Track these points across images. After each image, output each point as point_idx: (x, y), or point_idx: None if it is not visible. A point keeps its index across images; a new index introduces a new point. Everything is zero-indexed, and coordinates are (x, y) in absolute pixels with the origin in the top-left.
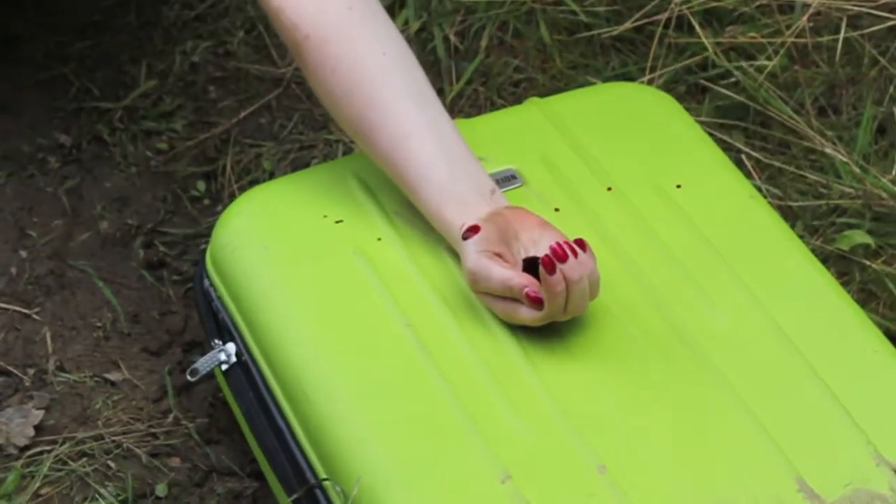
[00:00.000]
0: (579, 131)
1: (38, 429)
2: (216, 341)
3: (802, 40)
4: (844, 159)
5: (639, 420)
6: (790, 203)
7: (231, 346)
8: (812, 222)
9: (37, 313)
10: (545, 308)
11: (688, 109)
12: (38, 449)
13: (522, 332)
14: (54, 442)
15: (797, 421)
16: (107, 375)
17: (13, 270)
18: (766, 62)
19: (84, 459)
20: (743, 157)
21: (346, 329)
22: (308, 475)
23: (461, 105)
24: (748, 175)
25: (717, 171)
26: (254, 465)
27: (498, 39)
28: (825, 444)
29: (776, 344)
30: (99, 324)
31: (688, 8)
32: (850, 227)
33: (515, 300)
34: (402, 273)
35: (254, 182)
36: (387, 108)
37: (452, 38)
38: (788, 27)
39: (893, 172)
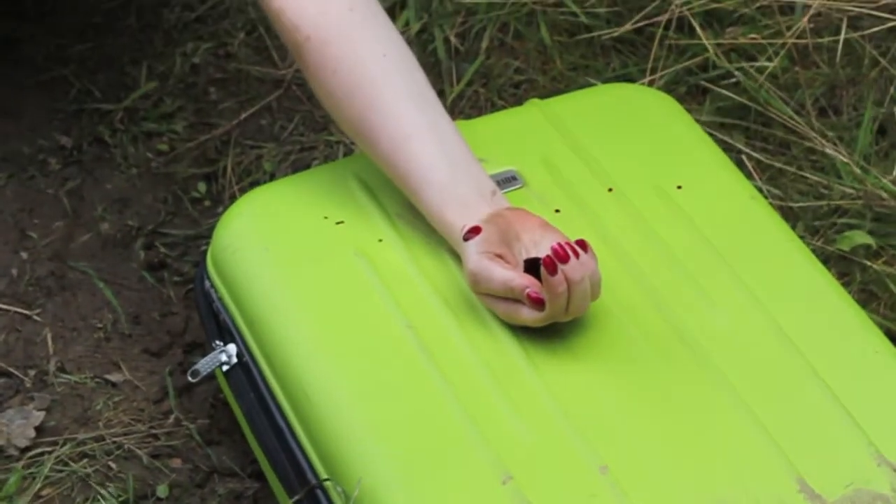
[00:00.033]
0: (580, 132)
1: (39, 430)
2: (217, 342)
3: (803, 41)
4: (845, 160)
5: (640, 421)
6: (791, 204)
7: (232, 347)
8: (813, 223)
9: (38, 314)
10: (546, 309)
11: (688, 110)
12: (38, 450)
13: (524, 332)
14: (55, 443)
15: (798, 421)
16: (108, 376)
17: (14, 272)
18: (766, 63)
19: (85, 460)
20: (743, 157)
21: (347, 330)
22: (309, 476)
23: (462, 106)
24: (749, 176)
25: (717, 172)
26: (255, 466)
27: (498, 41)
28: (826, 445)
29: (777, 344)
30: (100, 325)
31: (688, 9)
32: (851, 227)
33: (517, 301)
34: (403, 274)
35: (254, 183)
36: (387, 110)
37: (453, 39)
38: (789, 28)
39: (894, 173)
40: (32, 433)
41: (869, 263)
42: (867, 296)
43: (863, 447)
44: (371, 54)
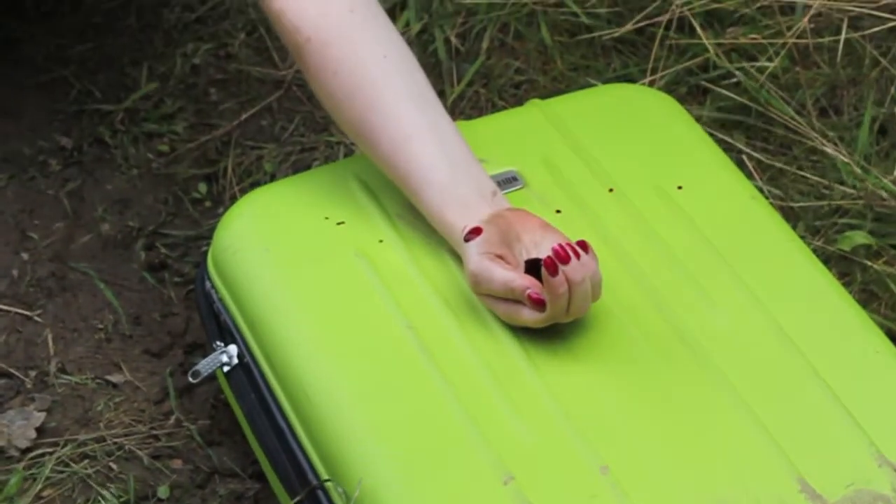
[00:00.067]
0: (580, 133)
1: (40, 431)
2: (218, 343)
3: (803, 41)
4: (846, 160)
5: (641, 421)
6: (791, 204)
7: (233, 348)
8: (813, 223)
9: (38, 315)
10: (547, 310)
11: (689, 111)
12: (39, 451)
13: (524, 333)
14: (56, 444)
15: (799, 421)
16: (108, 377)
17: (15, 272)
18: (767, 63)
19: (86, 461)
20: (744, 157)
21: (347, 331)
22: (310, 476)
23: (462, 107)
24: (749, 176)
25: (718, 172)
26: (256, 467)
27: (499, 41)
28: (827, 445)
29: (777, 345)
30: (100, 326)
31: (689, 9)
32: (852, 227)
33: (517, 302)
34: (403, 275)
35: (255, 184)
36: (388, 111)
37: (453, 39)
38: (789, 28)
39: (894, 173)
40: (33, 434)
41: (869, 263)
42: (868, 296)
43: (864, 447)
44: (371, 55)
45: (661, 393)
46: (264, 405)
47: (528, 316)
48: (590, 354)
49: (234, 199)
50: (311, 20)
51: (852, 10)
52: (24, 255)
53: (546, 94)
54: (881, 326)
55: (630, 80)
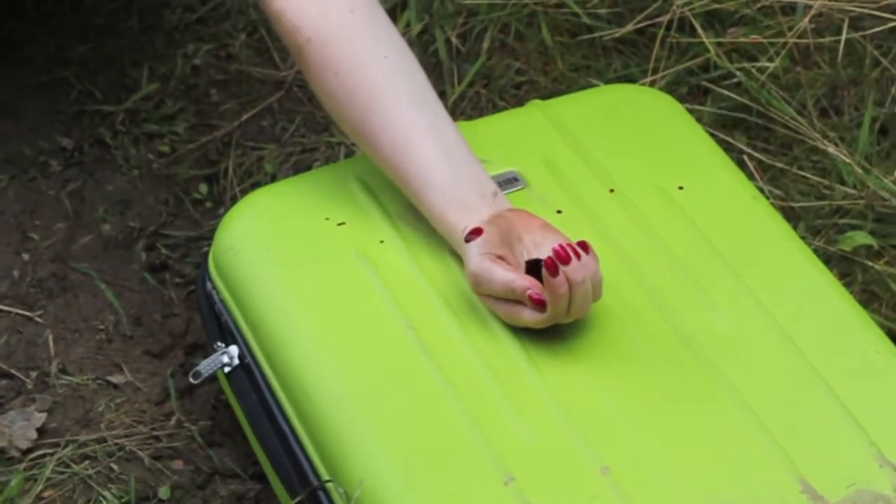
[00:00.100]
0: (581, 133)
1: (41, 432)
2: (219, 344)
3: (804, 41)
4: (847, 160)
5: (641, 421)
6: (792, 204)
7: (234, 349)
8: (814, 223)
9: (39, 316)
10: (548, 310)
11: (690, 111)
12: (40, 452)
13: (525, 334)
14: (57, 445)
15: (800, 422)
16: (109, 378)
17: (15, 273)
18: (767, 63)
19: (87, 462)
20: (745, 158)
21: (348, 331)
22: (311, 477)
23: (463, 107)
24: (750, 176)
25: (719, 173)
26: (256, 468)
27: (500, 41)
28: (828, 446)
29: (778, 345)
30: (101, 326)
31: (689, 9)
32: (853, 228)
33: (518, 302)
34: (404, 275)
35: (256, 185)
36: (388, 112)
37: (454, 40)
38: (790, 28)
39: (895, 173)
40: (34, 435)
41: (870, 264)
42: (868, 296)
43: (864, 448)
44: (372, 56)
45: (661, 393)
46: (265, 406)
47: (529, 316)
48: (590, 355)
49: (234, 200)
50: (311, 20)
51: (853, 11)
52: (25, 256)
53: (547, 95)
54: (882, 327)
55: (631, 80)
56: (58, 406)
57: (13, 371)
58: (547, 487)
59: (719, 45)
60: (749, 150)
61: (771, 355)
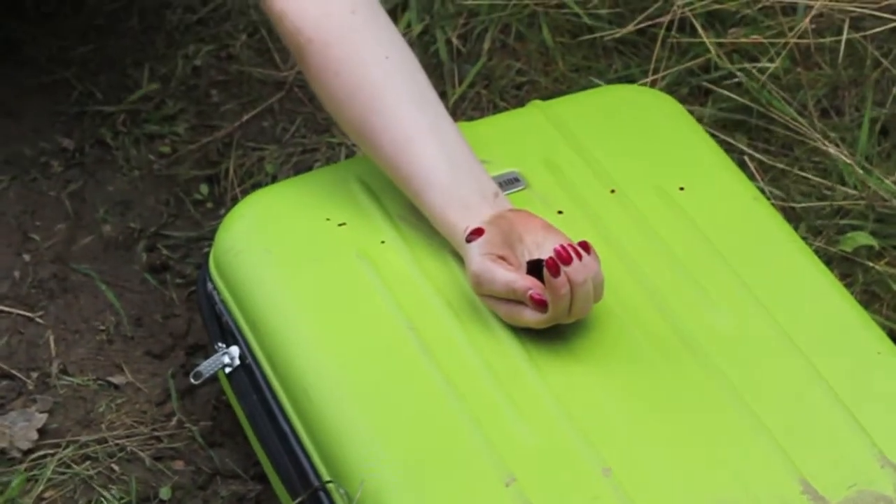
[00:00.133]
0: (582, 134)
1: (42, 432)
2: (219, 344)
3: (805, 42)
4: (847, 161)
5: (643, 422)
6: (793, 205)
7: (234, 349)
8: (815, 224)
9: (40, 317)
10: (549, 311)
11: (690, 111)
12: (41, 452)
13: (526, 334)
14: (58, 445)
15: (801, 423)
16: (110, 379)
17: (16, 274)
18: (768, 64)
19: (87, 463)
20: (746, 158)
21: (349, 332)
22: (312, 478)
23: (464, 108)
24: (751, 177)
25: (719, 173)
26: (257, 468)
27: (500, 42)
28: (829, 446)
29: (779, 346)
30: (102, 327)
31: (690, 10)
32: (854, 228)
33: (519, 303)
34: (405, 276)
35: (256, 185)
36: (389, 112)
37: (455, 40)
38: (791, 29)
39: None
40: (35, 435)
41: (871, 264)
42: (869, 297)
43: (866, 448)
44: (373, 57)
45: (663, 394)
46: (266, 406)
47: (530, 317)
48: (592, 355)
49: (235, 201)
50: (312, 21)
51: (854, 11)
52: (26, 257)
53: (547, 95)
54: (883, 327)
55: (631, 80)
56: (59, 407)
57: (14, 372)
58: (548, 488)
59: (720, 45)
60: (750, 151)
61: (772, 356)
